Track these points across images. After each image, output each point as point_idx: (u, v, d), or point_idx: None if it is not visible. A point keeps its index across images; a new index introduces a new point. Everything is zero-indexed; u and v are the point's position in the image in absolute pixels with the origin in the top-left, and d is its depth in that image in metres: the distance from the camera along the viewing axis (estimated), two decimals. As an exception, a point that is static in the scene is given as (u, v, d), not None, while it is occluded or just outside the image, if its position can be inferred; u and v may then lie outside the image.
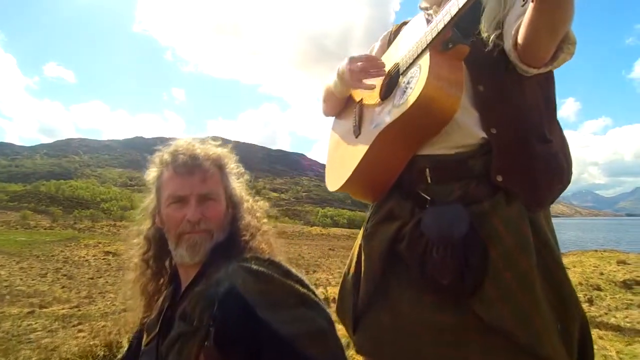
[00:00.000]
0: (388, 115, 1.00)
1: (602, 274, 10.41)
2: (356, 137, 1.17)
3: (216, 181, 1.05)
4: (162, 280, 1.13)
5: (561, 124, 1.06)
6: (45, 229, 28.36)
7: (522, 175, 0.94)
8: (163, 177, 1.05)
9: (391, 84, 1.10)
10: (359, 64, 1.14)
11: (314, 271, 14.85)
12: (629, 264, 11.29)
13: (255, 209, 1.14)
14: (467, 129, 0.97)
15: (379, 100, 1.12)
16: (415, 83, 0.94)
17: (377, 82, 1.16)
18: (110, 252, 15.88)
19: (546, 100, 1.02)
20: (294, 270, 0.95)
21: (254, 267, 0.90)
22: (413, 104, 0.91)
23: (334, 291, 9.06)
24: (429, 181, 1.00)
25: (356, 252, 1.16)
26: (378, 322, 1.04)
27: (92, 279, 11.15)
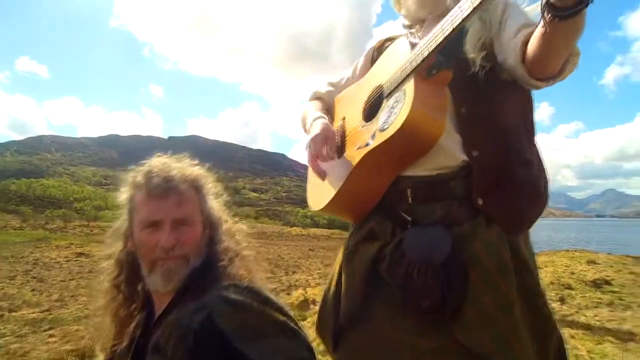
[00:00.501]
0: (372, 138, 1.01)
1: (573, 273, 10.75)
2: (339, 158, 1.17)
3: (193, 204, 1.01)
4: (134, 306, 1.07)
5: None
6: (14, 229, 27.26)
7: (502, 199, 0.96)
8: (135, 200, 1.01)
9: (375, 106, 1.10)
10: (310, 152, 1.16)
11: (294, 272, 14.78)
12: (598, 264, 11.70)
13: (234, 231, 1.10)
14: (449, 151, 0.98)
15: (363, 121, 1.13)
16: (400, 108, 0.94)
17: (360, 102, 1.17)
18: (83, 254, 15.39)
19: (526, 123, 1.05)
20: (273, 296, 0.94)
21: (232, 296, 0.87)
22: (398, 129, 0.92)
23: (313, 292, 9.05)
24: (411, 201, 1.01)
25: (337, 271, 1.16)
26: (358, 341, 1.05)
27: (63, 281, 10.78)
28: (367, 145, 1.02)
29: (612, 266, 12.04)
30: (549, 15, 0.73)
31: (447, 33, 0.84)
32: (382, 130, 0.98)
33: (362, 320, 1.03)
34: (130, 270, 1.04)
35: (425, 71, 0.95)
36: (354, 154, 1.07)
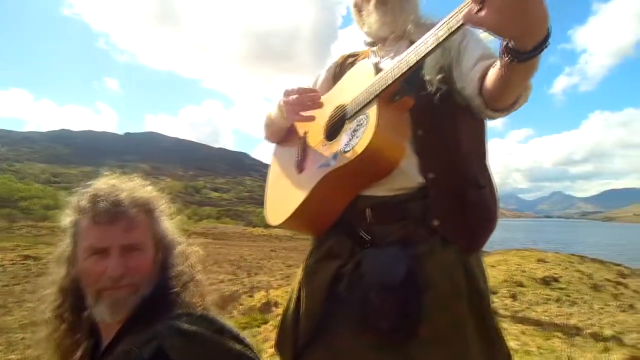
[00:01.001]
0: (334, 159, 1.03)
1: (524, 271, 11.33)
2: (299, 173, 1.18)
3: (143, 228, 0.95)
4: (79, 335, 0.99)
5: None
6: (-50, 230, 25.20)
7: (457, 221, 1.00)
8: (80, 226, 0.94)
9: (337, 126, 1.12)
10: (294, 96, 1.15)
11: (256, 273, 14.61)
12: (547, 262, 12.40)
13: (188, 254, 1.05)
14: (406, 173, 1.02)
15: (324, 139, 1.14)
16: (363, 132, 0.97)
17: (322, 119, 1.18)
18: (30, 257, 14.43)
19: (480, 146, 1.10)
20: (228, 324, 0.90)
21: (185, 326, 0.83)
22: (360, 153, 0.94)
23: (276, 294, 8.99)
24: (370, 221, 1.04)
25: (296, 288, 1.17)
26: (318, 359, 1.05)
27: (7, 286, 10.06)
28: (328, 165, 1.04)
29: (559, 264, 12.80)
30: (507, 58, 0.76)
31: (411, 64, 0.89)
32: (344, 152, 1.00)
33: (322, 338, 1.05)
34: (74, 297, 0.97)
35: (388, 97, 0.98)
36: (315, 172, 1.09)
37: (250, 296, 9.31)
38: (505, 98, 0.90)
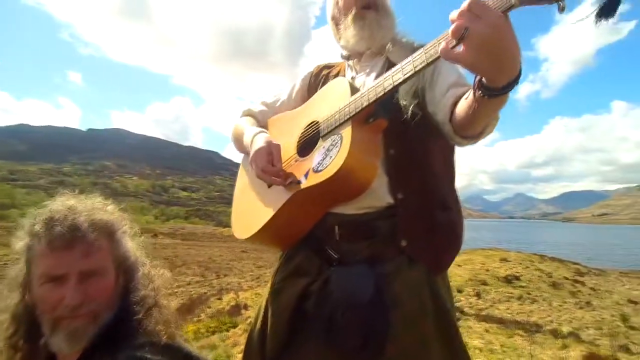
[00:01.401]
0: (305, 177, 1.03)
1: (488, 270, 11.71)
2: (268, 187, 1.16)
3: (103, 253, 0.88)
4: None
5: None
6: None
7: (425, 242, 1.02)
8: (34, 251, 0.86)
9: (310, 142, 1.11)
10: (258, 166, 1.10)
11: (225, 275, 14.41)
12: (509, 261, 12.89)
13: (152, 276, 0.98)
14: (376, 192, 1.02)
15: (296, 154, 1.13)
16: (336, 153, 0.96)
17: (294, 133, 1.18)
18: (-17, 259, 13.65)
19: (449, 168, 1.12)
20: (194, 352, 0.86)
21: (148, 356, 0.78)
22: (333, 174, 0.94)
23: (245, 296, 8.89)
24: (338, 238, 1.04)
25: (263, 306, 1.16)
26: None
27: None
28: (299, 182, 1.04)
29: (521, 263, 13.33)
30: (479, 92, 0.78)
31: (387, 90, 0.90)
32: (316, 171, 0.99)
33: (288, 357, 1.04)
34: (29, 326, 0.89)
35: (363, 118, 0.99)
36: (286, 189, 1.08)
37: (219, 299, 9.17)
38: (474, 127, 0.92)
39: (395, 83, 0.88)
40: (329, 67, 1.33)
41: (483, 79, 0.75)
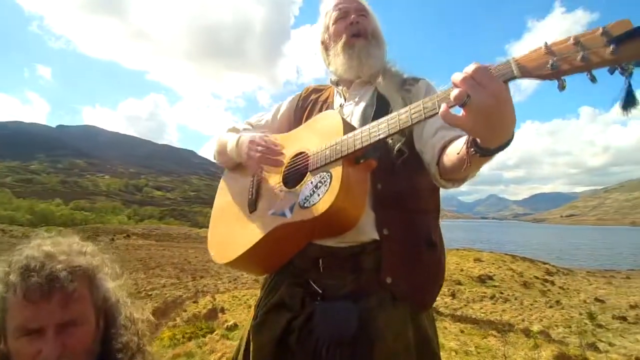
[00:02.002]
0: (290, 210, 1.02)
1: (462, 270, 11.96)
2: (250, 213, 1.15)
3: (83, 301, 0.84)
4: None
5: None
6: None
7: (409, 279, 1.02)
8: (9, 302, 0.81)
9: (297, 174, 1.10)
10: (259, 150, 1.11)
11: (201, 277, 14.19)
12: (483, 261, 13.19)
13: (135, 319, 0.94)
14: (362, 228, 1.02)
15: (281, 183, 1.12)
16: (325, 192, 0.96)
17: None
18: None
19: (435, 204, 1.13)
20: None
21: None
22: (321, 214, 0.94)
23: (222, 299, 8.76)
24: (322, 271, 1.04)
25: (245, 338, 1.14)
26: None
27: None
28: (283, 214, 1.03)
29: (494, 263, 13.66)
30: (472, 150, 0.80)
31: (381, 137, 0.90)
32: (302, 207, 0.99)
33: None
34: None
35: (353, 158, 0.99)
36: (269, 219, 1.06)
37: (195, 302, 8.99)
38: (460, 176, 0.95)
39: (391, 132, 0.89)
40: (318, 90, 1.33)
41: (477, 139, 0.77)
